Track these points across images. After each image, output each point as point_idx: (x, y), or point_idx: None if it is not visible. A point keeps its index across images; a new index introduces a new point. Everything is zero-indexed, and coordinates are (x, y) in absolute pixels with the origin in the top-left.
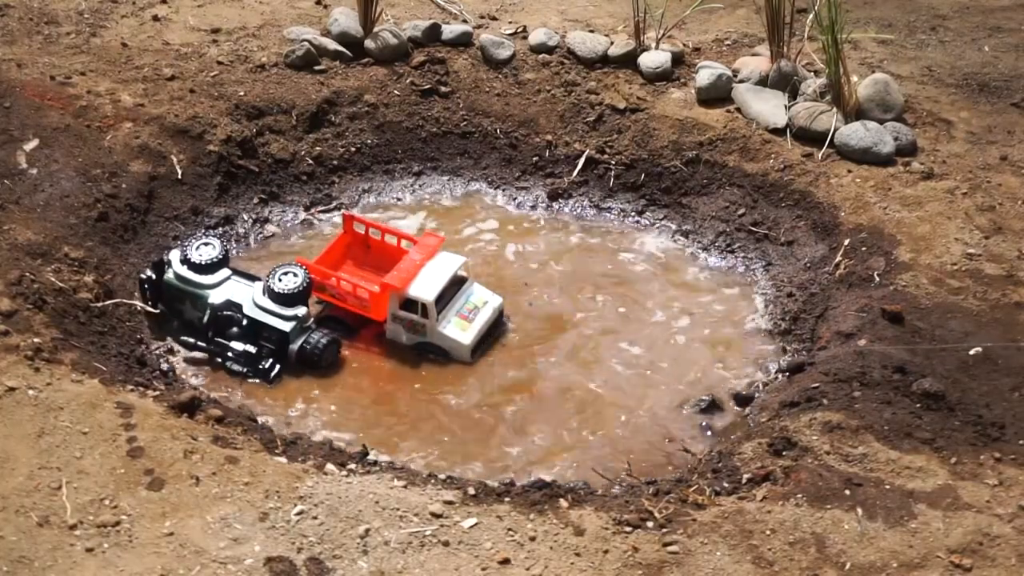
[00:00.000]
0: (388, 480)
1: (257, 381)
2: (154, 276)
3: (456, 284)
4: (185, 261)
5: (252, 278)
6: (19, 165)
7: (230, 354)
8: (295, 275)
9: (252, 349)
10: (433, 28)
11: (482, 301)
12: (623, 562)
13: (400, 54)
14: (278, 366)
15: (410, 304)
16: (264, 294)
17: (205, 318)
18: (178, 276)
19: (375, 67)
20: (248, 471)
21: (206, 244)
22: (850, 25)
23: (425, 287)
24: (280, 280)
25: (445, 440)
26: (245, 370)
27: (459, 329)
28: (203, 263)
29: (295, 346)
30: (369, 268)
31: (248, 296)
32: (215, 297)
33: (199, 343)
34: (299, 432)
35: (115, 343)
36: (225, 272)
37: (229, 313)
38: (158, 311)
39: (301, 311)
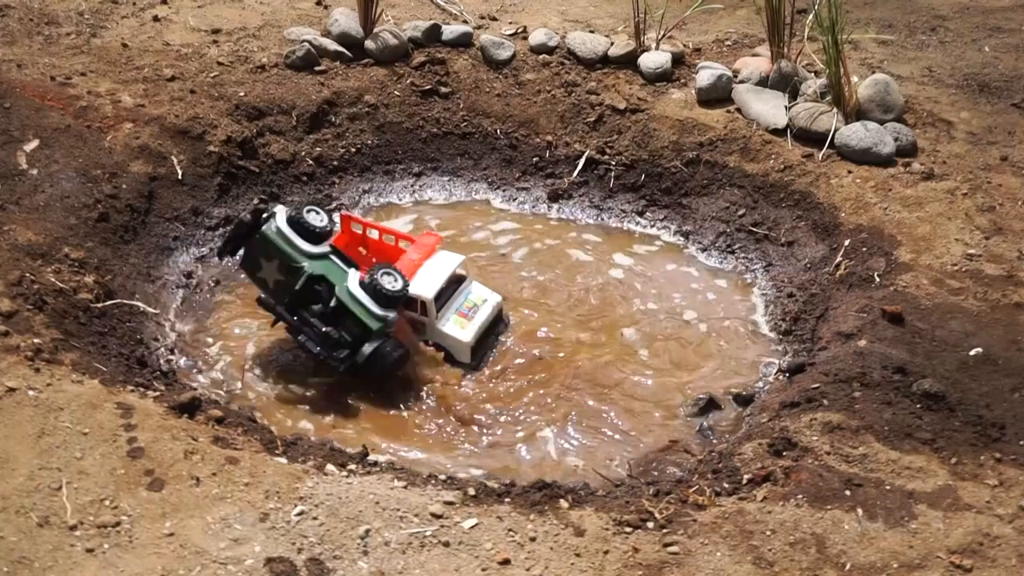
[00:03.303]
0: (388, 480)
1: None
2: (251, 222)
3: (455, 282)
4: (294, 222)
5: (349, 263)
6: (19, 165)
7: (311, 330)
8: (396, 279)
9: (335, 334)
10: (433, 29)
11: (481, 299)
12: (623, 563)
13: (400, 55)
14: (349, 361)
15: (409, 303)
16: (362, 287)
17: (297, 285)
18: (280, 232)
19: (375, 68)
20: (248, 472)
21: (316, 213)
22: (850, 26)
23: (424, 285)
24: (382, 279)
25: (445, 440)
26: (318, 351)
27: (458, 327)
28: (312, 230)
29: (370, 347)
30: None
31: (342, 280)
32: (313, 268)
33: (279, 308)
34: (299, 432)
35: (115, 344)
36: (326, 247)
37: (319, 288)
38: (223, 256)
39: (391, 315)
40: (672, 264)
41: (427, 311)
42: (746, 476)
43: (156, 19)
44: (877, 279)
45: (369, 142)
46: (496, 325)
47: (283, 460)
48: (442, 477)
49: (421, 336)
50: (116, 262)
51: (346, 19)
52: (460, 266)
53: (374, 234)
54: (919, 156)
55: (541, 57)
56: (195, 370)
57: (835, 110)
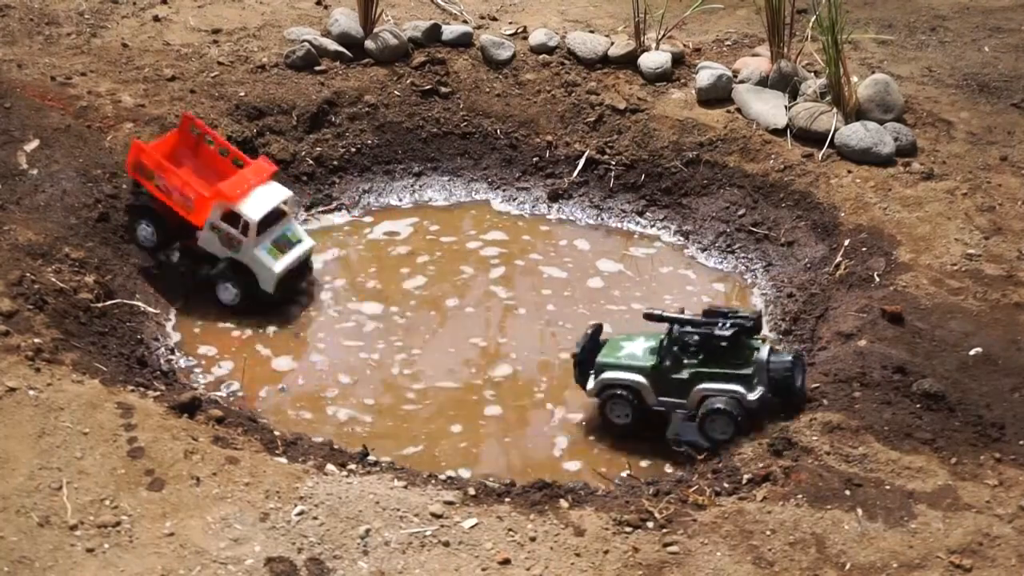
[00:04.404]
0: (388, 480)
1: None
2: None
3: (278, 215)
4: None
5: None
6: (19, 165)
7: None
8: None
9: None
10: (433, 29)
11: (297, 238)
12: (623, 562)
13: (400, 55)
14: None
15: (233, 218)
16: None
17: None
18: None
19: (375, 68)
20: (248, 471)
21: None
22: (850, 26)
23: (254, 207)
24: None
25: (445, 440)
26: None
27: (271, 257)
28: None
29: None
30: (192, 172)
31: None
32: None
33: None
34: (299, 432)
35: (115, 343)
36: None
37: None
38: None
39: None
40: (672, 264)
41: (248, 231)
42: (746, 476)
43: (156, 19)
44: (877, 279)
45: (369, 142)
46: (303, 269)
47: (283, 460)
48: (442, 477)
49: (234, 251)
50: (116, 262)
51: (346, 19)
52: (287, 202)
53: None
54: (919, 156)
55: (541, 57)
56: (195, 370)
57: (835, 110)
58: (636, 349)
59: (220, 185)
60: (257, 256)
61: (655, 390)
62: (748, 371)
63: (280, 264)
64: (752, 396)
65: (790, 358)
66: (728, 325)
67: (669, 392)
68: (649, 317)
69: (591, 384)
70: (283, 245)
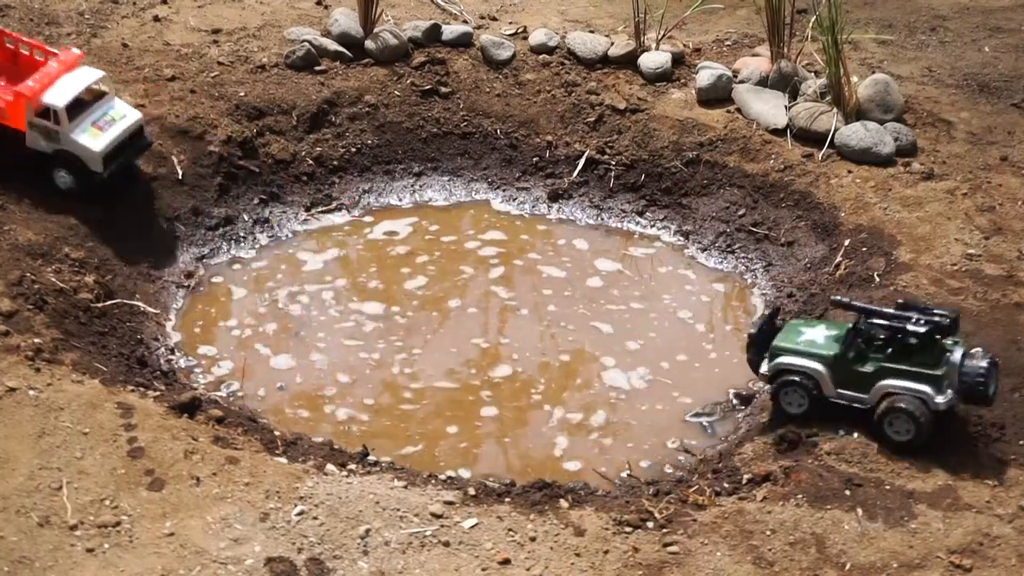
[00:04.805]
0: (388, 480)
1: None
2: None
3: (96, 97)
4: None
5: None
6: None
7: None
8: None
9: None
10: (433, 29)
11: (120, 115)
12: (623, 562)
13: (400, 55)
14: None
15: (45, 112)
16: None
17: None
18: None
19: (375, 68)
20: (248, 471)
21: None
22: (850, 26)
23: (57, 95)
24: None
25: (445, 440)
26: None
27: (91, 137)
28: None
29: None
30: (16, 83)
31: None
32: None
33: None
34: (299, 432)
35: (115, 343)
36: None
37: None
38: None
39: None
40: (672, 264)
41: (59, 120)
42: (746, 476)
43: (156, 19)
44: (877, 279)
45: (369, 142)
46: (136, 143)
47: (283, 460)
48: (442, 477)
49: (55, 144)
50: (116, 262)
51: (346, 19)
52: (100, 82)
53: (25, 51)
54: (919, 156)
55: (541, 57)
56: (195, 370)
57: (835, 110)
58: (817, 336)
59: (19, 86)
60: (76, 139)
61: (834, 381)
62: (939, 372)
63: (100, 142)
64: (940, 399)
65: (986, 363)
66: (922, 322)
67: (849, 385)
68: (836, 304)
69: (764, 367)
70: (103, 124)
